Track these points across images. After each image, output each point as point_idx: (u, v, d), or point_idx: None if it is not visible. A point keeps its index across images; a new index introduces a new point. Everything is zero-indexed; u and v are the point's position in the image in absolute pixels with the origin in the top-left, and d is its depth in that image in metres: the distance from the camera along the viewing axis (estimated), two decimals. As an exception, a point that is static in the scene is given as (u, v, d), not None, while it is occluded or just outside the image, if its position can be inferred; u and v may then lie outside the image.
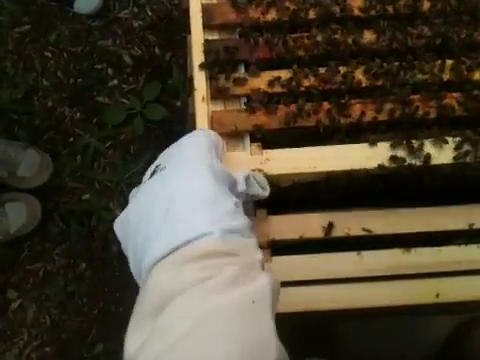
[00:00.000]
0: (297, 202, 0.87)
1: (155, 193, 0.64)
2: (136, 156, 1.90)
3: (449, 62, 0.87)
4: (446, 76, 0.87)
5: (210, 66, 0.88)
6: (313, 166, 0.80)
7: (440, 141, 0.82)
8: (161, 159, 0.71)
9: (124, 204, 1.81)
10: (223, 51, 0.88)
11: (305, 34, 0.88)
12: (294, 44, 0.88)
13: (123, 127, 1.90)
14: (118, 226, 0.67)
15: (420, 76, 0.86)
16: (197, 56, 0.88)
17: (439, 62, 0.87)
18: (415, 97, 0.86)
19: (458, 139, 0.82)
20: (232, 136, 0.86)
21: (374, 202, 0.87)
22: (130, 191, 1.81)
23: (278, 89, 0.87)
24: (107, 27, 1.94)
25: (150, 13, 1.94)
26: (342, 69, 0.87)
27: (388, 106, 0.86)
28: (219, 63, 0.88)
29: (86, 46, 1.94)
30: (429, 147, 0.82)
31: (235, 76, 0.87)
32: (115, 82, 1.92)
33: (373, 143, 0.81)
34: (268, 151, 0.82)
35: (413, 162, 0.81)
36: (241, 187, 0.69)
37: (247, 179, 0.72)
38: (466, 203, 0.84)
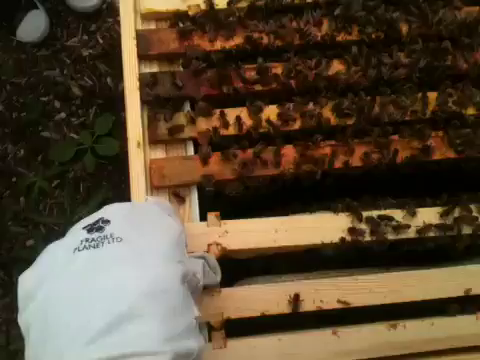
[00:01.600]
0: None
1: (102, 271, 0.48)
2: (87, 196, 1.72)
3: (432, 95, 0.74)
4: (429, 111, 0.73)
5: (147, 104, 0.72)
6: (273, 240, 0.65)
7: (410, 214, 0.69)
8: (110, 215, 0.55)
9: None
10: (163, 86, 0.72)
11: (261, 64, 0.74)
12: (249, 77, 0.73)
13: (72, 164, 1.73)
14: (23, 295, 0.51)
15: (398, 113, 0.72)
16: (131, 92, 0.73)
17: (420, 95, 0.73)
18: (394, 138, 0.72)
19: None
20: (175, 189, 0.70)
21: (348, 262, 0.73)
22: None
23: (231, 131, 0.72)
24: (54, 56, 1.77)
25: (101, 41, 1.78)
26: (307, 106, 0.72)
27: (362, 149, 0.72)
28: (158, 101, 0.72)
29: (31, 77, 1.77)
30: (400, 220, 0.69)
31: (178, 116, 0.72)
32: (63, 115, 1.75)
33: (340, 211, 0.67)
34: (227, 222, 0.68)
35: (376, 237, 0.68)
36: (201, 283, 0.56)
37: (203, 269, 0.58)
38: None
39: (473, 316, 0.69)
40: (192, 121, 0.72)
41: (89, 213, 1.79)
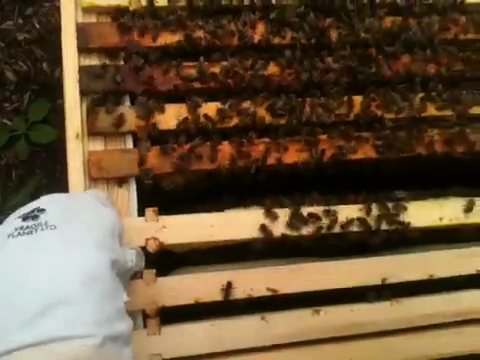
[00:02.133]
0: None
1: (36, 256, 0.50)
2: (19, 183, 1.68)
3: (357, 99, 0.80)
4: (353, 114, 0.79)
5: (87, 97, 0.73)
6: (209, 234, 0.69)
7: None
8: (45, 205, 0.56)
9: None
10: (103, 79, 0.73)
11: (201, 63, 0.77)
12: (188, 74, 0.76)
13: (4, 151, 1.67)
14: None
15: (327, 114, 0.77)
16: (70, 84, 0.73)
17: (346, 99, 0.79)
18: (322, 138, 0.77)
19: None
20: (113, 181, 0.72)
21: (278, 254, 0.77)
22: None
23: (170, 126, 0.75)
24: (-14, 39, 1.71)
25: (38, 26, 1.73)
26: (243, 105, 0.76)
27: (293, 147, 0.76)
28: (98, 93, 0.74)
29: (-39, 60, 1.69)
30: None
31: (118, 109, 0.74)
32: (-5, 101, 1.69)
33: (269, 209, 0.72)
34: (164, 217, 0.70)
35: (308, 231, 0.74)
36: (135, 268, 0.60)
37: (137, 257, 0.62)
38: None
39: (388, 302, 0.76)
40: (131, 115, 0.74)
41: (21, 201, 1.77)
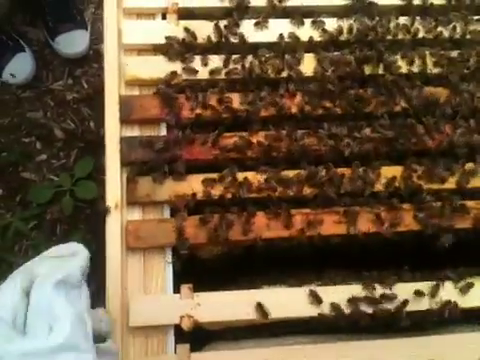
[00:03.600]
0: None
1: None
2: (63, 238, 1.72)
3: (398, 170, 0.78)
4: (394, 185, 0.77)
5: (127, 167, 0.75)
6: (247, 313, 0.67)
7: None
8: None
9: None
10: (143, 150, 0.75)
11: (240, 134, 0.77)
12: (227, 145, 0.77)
13: (50, 206, 1.73)
14: None
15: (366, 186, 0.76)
16: (111, 154, 0.75)
17: (386, 170, 0.78)
18: (361, 209, 0.75)
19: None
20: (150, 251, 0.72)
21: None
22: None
23: (206, 196, 0.75)
24: (38, 98, 1.80)
25: (86, 86, 1.82)
26: (277, 175, 0.76)
27: (331, 218, 0.75)
28: (138, 164, 0.75)
29: (14, 118, 1.79)
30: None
31: (157, 179, 0.75)
32: (43, 157, 1.76)
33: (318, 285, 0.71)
34: (200, 294, 0.70)
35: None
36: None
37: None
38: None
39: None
40: (169, 185, 0.75)
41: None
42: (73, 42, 1.80)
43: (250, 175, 0.76)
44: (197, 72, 0.79)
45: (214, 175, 0.76)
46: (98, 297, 1.71)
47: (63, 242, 1.88)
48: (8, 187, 1.76)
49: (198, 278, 0.73)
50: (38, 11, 1.85)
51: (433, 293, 0.73)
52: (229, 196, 0.75)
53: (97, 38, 1.90)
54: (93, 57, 1.89)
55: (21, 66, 1.79)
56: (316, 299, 0.71)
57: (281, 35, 0.82)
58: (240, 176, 0.76)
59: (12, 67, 1.79)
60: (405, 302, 0.72)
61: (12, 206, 1.75)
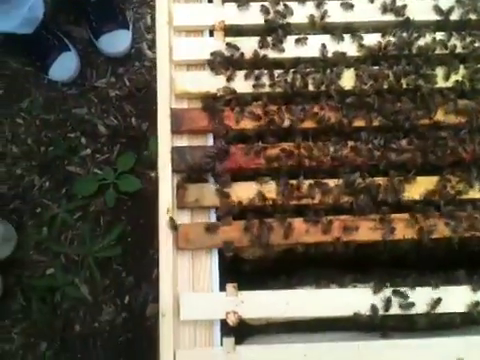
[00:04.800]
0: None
1: None
2: (106, 229, 1.81)
3: (433, 180, 0.82)
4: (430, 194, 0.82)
5: (177, 174, 0.82)
6: (284, 311, 0.74)
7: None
8: None
9: (90, 280, 1.73)
10: (192, 159, 0.82)
11: (282, 145, 0.83)
12: (270, 155, 0.82)
13: (94, 198, 1.82)
14: None
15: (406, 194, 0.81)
16: (163, 163, 0.82)
17: (421, 180, 0.82)
18: (396, 217, 0.80)
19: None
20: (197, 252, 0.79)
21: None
22: (97, 265, 1.66)
23: (249, 202, 0.81)
24: (83, 95, 1.89)
25: (128, 83, 1.90)
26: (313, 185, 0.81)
27: (368, 225, 0.80)
28: (187, 171, 0.82)
29: (60, 114, 1.88)
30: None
31: (204, 186, 0.81)
32: (88, 151, 1.85)
33: (352, 286, 0.76)
34: (243, 293, 0.77)
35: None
36: None
37: None
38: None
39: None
40: (215, 192, 0.81)
41: (107, 245, 1.89)
42: (116, 42, 1.87)
43: (291, 183, 0.82)
44: (241, 86, 0.85)
45: (257, 183, 0.82)
46: (139, 287, 1.80)
47: (106, 233, 1.97)
48: (55, 180, 1.86)
49: (242, 277, 0.79)
50: (81, 11, 1.93)
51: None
52: (271, 203, 0.81)
53: (139, 37, 1.98)
54: (135, 55, 1.96)
55: (66, 65, 1.87)
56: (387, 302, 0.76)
57: (322, 50, 0.87)
58: (282, 184, 0.81)
59: (58, 66, 1.87)
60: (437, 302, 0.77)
61: (58, 198, 1.85)
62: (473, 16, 0.90)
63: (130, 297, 1.75)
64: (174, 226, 0.76)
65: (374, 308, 0.76)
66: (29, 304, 1.75)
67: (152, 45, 1.97)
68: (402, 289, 0.78)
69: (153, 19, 1.99)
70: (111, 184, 1.84)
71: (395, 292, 0.77)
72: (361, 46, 0.87)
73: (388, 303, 0.77)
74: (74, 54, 1.88)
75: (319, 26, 0.88)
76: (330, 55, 0.87)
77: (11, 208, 1.82)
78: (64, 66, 1.87)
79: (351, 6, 0.89)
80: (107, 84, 1.92)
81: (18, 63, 1.92)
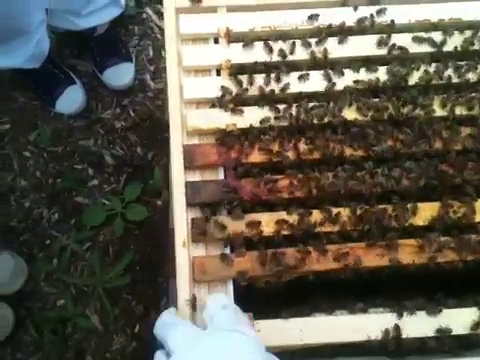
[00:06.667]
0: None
1: None
2: (115, 258, 1.84)
3: (435, 205, 0.86)
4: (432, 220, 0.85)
5: (192, 208, 0.85)
6: (300, 338, 0.77)
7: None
8: None
9: (101, 310, 1.75)
10: (205, 193, 0.85)
11: (289, 177, 0.87)
12: (278, 186, 0.86)
13: (102, 228, 1.86)
14: None
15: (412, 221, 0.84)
16: (178, 197, 0.85)
17: (423, 206, 0.86)
18: (404, 242, 0.84)
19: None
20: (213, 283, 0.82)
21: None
22: (107, 295, 1.68)
23: (262, 233, 0.85)
24: (89, 127, 1.94)
25: (132, 114, 1.95)
26: (320, 214, 0.85)
27: (375, 252, 0.84)
28: (201, 205, 0.85)
29: (67, 146, 1.93)
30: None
31: (217, 219, 0.85)
32: (95, 182, 1.89)
33: (362, 311, 0.79)
34: (259, 322, 0.79)
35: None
36: None
37: None
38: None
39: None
40: (228, 224, 0.85)
41: (117, 275, 1.91)
42: (120, 75, 1.92)
43: (301, 213, 0.85)
44: (248, 121, 0.89)
45: (268, 215, 0.85)
46: (148, 315, 1.81)
47: (115, 262, 1.99)
48: (63, 211, 1.89)
49: (257, 305, 0.82)
50: (85, 46, 1.99)
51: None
52: (283, 233, 0.84)
53: (141, 68, 2.03)
54: (138, 86, 2.02)
55: (73, 98, 1.92)
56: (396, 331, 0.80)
57: (325, 85, 0.91)
58: (291, 215, 0.85)
59: (64, 99, 1.92)
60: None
61: (67, 229, 1.88)
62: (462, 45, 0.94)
63: (140, 326, 1.77)
64: (194, 305, 0.78)
65: (387, 332, 0.79)
66: (41, 336, 1.77)
67: (155, 76, 2.04)
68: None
69: (155, 51, 2.06)
70: (119, 213, 1.88)
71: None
72: (358, 82, 0.91)
73: (398, 328, 0.79)
74: (80, 87, 1.93)
75: (320, 62, 0.92)
76: (332, 90, 0.91)
77: (21, 241, 1.85)
78: (70, 99, 1.92)
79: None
80: (112, 115, 1.97)
81: (25, 97, 1.98)
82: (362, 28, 0.95)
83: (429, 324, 0.80)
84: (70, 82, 1.91)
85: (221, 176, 0.88)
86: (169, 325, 0.70)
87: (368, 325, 0.80)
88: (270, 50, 0.93)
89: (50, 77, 1.89)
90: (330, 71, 0.92)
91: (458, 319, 0.81)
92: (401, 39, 0.94)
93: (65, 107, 1.92)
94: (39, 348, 1.74)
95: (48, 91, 1.91)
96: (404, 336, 0.79)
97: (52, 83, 1.89)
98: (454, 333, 0.80)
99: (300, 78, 0.92)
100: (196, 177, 0.88)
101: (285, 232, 0.84)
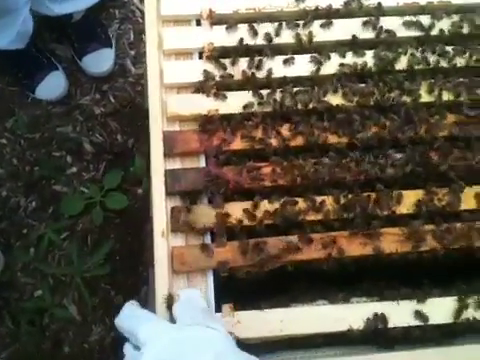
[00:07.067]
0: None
1: None
2: (93, 248, 1.80)
3: (419, 193, 0.84)
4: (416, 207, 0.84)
5: (171, 197, 0.82)
6: (280, 329, 0.75)
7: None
8: None
9: (79, 300, 1.72)
10: (185, 181, 0.82)
11: (272, 163, 0.84)
12: (261, 174, 0.84)
13: (81, 217, 1.81)
14: None
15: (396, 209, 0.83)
16: (157, 185, 0.82)
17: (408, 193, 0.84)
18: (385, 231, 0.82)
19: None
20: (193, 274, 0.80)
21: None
22: (86, 285, 1.65)
23: (243, 222, 0.82)
24: (68, 113, 1.88)
25: (113, 100, 1.90)
26: (304, 202, 0.83)
27: (358, 240, 0.82)
28: (181, 194, 0.82)
29: (45, 133, 1.87)
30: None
31: (197, 208, 0.82)
32: (74, 170, 1.85)
33: (344, 301, 0.77)
34: (239, 313, 0.77)
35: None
36: None
37: None
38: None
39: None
40: (209, 213, 0.82)
41: (95, 264, 1.87)
42: (99, 61, 1.87)
43: (284, 201, 0.83)
44: (231, 107, 0.86)
45: (249, 203, 0.83)
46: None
47: (94, 252, 1.95)
48: (41, 200, 1.85)
49: (237, 295, 0.80)
50: (63, 31, 1.93)
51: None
52: (265, 222, 0.82)
53: (122, 53, 1.98)
54: (119, 72, 1.96)
55: (55, 84, 1.87)
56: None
57: (311, 69, 0.89)
58: (274, 203, 0.83)
59: (46, 85, 1.86)
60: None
61: (45, 218, 1.83)
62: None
63: (119, 316, 1.74)
64: (169, 306, 0.75)
65: (368, 322, 0.78)
66: (17, 327, 1.73)
67: (136, 61, 1.99)
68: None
69: (136, 35, 2.01)
70: (98, 202, 1.84)
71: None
72: (344, 65, 0.89)
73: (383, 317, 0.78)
74: (62, 73, 1.88)
75: (306, 46, 0.90)
76: (317, 74, 0.89)
77: (-3, 230, 1.79)
78: (52, 85, 1.87)
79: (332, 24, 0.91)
80: (92, 101, 1.93)
81: (2, 83, 1.92)
82: (349, 11, 0.92)
83: (412, 313, 0.79)
84: (52, 68, 1.86)
85: (202, 164, 0.85)
86: (135, 318, 0.68)
87: (350, 315, 0.78)
88: (255, 33, 0.90)
89: (32, 61, 1.83)
90: (316, 55, 0.89)
91: (441, 308, 0.80)
92: (388, 22, 0.92)
93: (46, 93, 1.86)
94: (16, 339, 1.71)
95: (29, 76, 1.85)
96: (389, 326, 0.78)
97: (34, 68, 1.84)
98: (436, 322, 0.79)
99: (285, 62, 0.89)
100: (176, 165, 0.85)
101: (267, 221, 0.82)
